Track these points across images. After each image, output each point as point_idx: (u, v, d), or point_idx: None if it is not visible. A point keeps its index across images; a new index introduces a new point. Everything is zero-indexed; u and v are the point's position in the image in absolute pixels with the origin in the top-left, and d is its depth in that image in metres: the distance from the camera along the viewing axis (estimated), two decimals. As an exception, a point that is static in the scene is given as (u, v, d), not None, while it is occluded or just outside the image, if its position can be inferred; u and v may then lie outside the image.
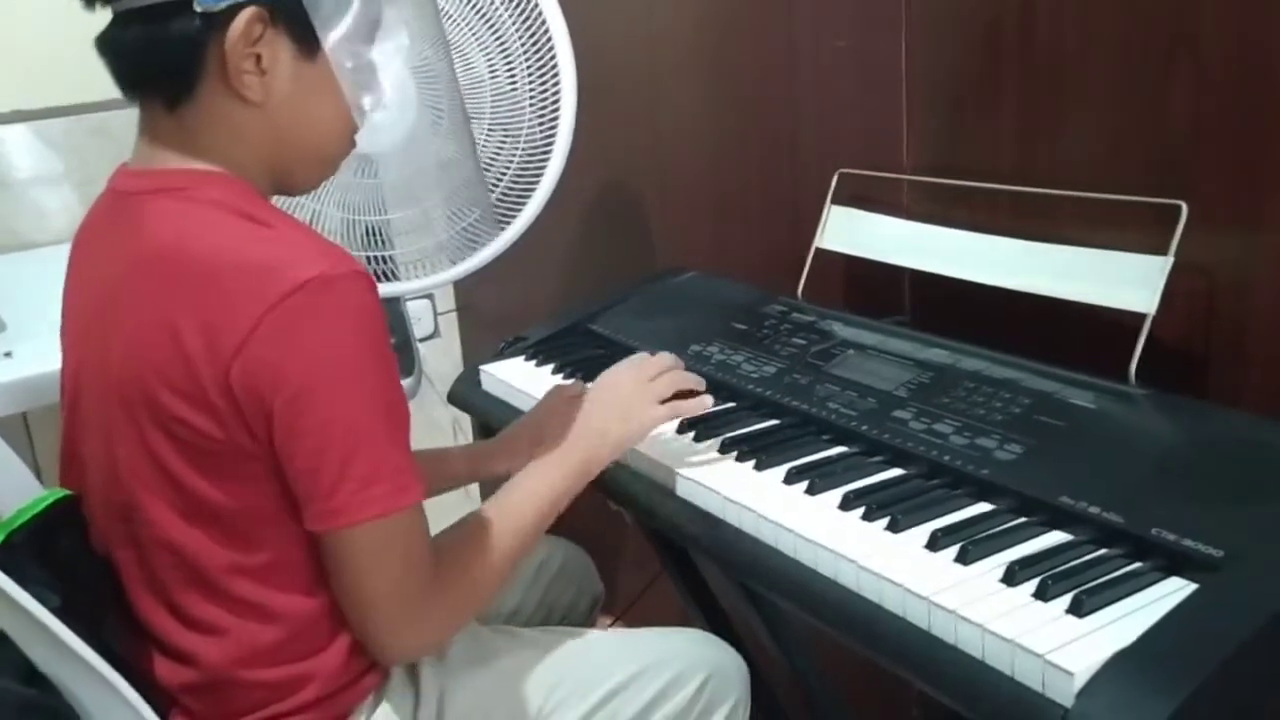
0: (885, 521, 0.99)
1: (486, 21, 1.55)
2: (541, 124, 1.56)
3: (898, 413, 1.14)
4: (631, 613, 2.04)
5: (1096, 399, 1.08)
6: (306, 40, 0.95)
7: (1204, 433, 1.03)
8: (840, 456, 1.13)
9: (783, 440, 1.16)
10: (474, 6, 1.55)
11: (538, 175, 1.58)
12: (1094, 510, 0.94)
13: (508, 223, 1.59)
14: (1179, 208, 1.10)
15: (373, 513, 0.91)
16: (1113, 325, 1.14)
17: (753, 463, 1.12)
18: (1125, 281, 1.14)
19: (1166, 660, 0.77)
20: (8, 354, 1.50)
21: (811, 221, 1.47)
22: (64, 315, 1.05)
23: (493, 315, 2.41)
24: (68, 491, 1.01)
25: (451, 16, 1.55)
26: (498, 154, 1.58)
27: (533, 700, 1.09)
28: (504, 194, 1.59)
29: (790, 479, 1.08)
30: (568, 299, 2.07)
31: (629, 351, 1.43)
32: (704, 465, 1.13)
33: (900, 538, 0.97)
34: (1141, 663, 0.77)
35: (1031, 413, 1.08)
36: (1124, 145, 1.21)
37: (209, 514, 0.94)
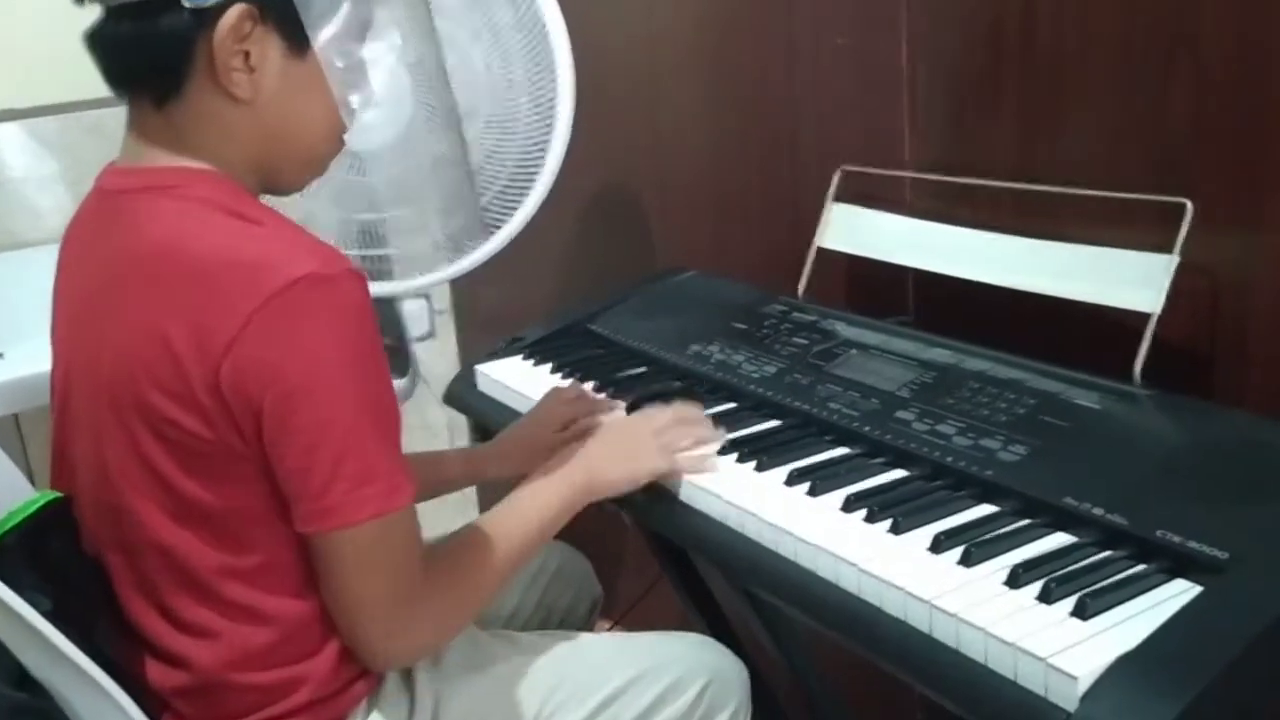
0: (888, 524, 0.98)
1: (484, 18, 1.54)
2: (539, 121, 1.55)
3: (900, 413, 1.13)
4: (631, 616, 2.03)
5: (1101, 399, 1.08)
6: (296, 38, 0.95)
7: (1209, 434, 1.03)
8: (842, 458, 1.12)
9: (784, 441, 1.16)
10: (471, 4, 1.54)
11: (535, 173, 1.57)
12: (1098, 512, 0.93)
13: (502, 223, 1.58)
14: (1184, 206, 1.09)
15: (366, 513, 0.90)
16: (1117, 325, 1.14)
17: (754, 464, 1.11)
18: (1130, 281, 1.13)
19: (1171, 663, 0.77)
20: (0, 355, 1.49)
21: (812, 220, 1.47)
22: (53, 316, 1.05)
23: (489, 315, 2.40)
24: (58, 494, 1.00)
25: (448, 13, 1.54)
26: (495, 151, 1.57)
27: (530, 705, 1.08)
28: (501, 192, 1.58)
29: (792, 481, 1.08)
30: (565, 299, 2.06)
31: (628, 351, 1.43)
32: (704, 467, 1.12)
33: (903, 540, 0.96)
34: (1146, 666, 0.77)
35: (1036, 413, 1.07)
36: (1125, 144, 1.20)
37: (199, 515, 0.93)
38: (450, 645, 1.09)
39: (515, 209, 1.58)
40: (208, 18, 0.90)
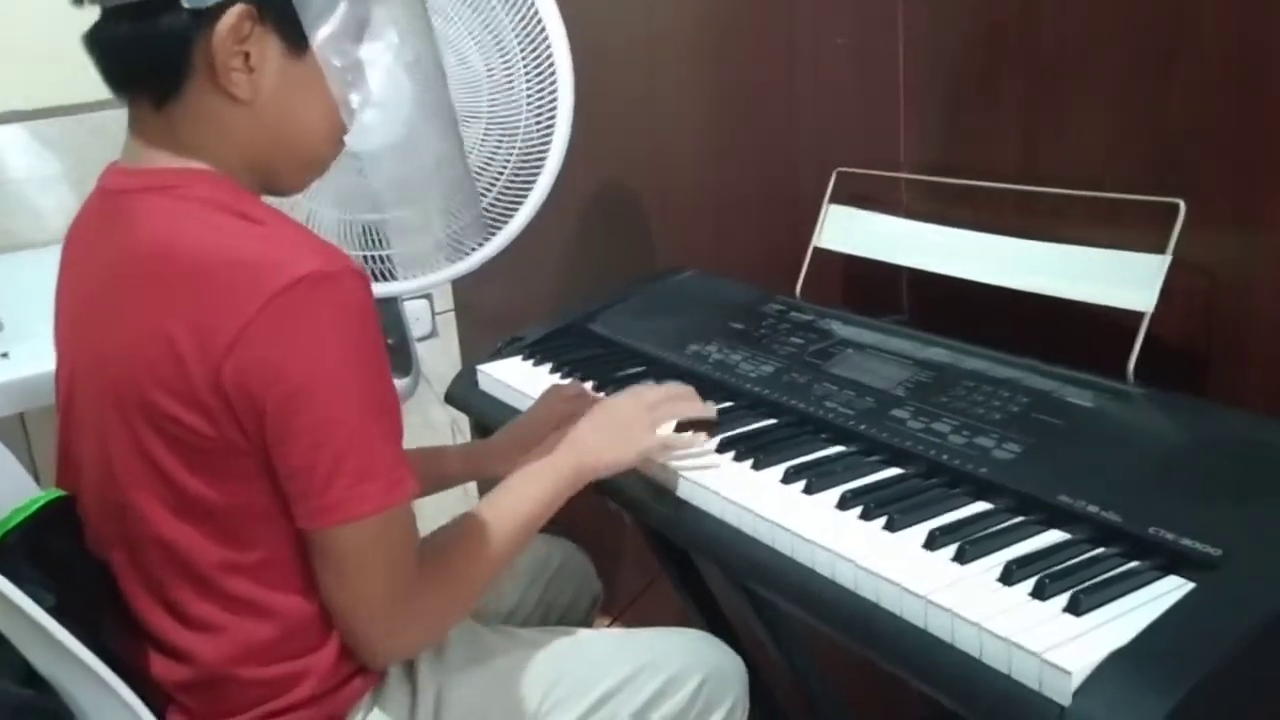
0: (883, 521, 0.99)
1: (483, 20, 1.55)
2: (539, 123, 1.56)
3: (896, 412, 1.14)
4: (630, 612, 2.04)
5: (1095, 398, 1.08)
6: (295, 38, 0.95)
7: (1202, 431, 1.03)
8: (838, 456, 1.13)
9: (780, 439, 1.16)
10: (470, 5, 1.55)
11: (535, 174, 1.58)
12: (1092, 509, 0.94)
13: (503, 223, 1.59)
14: (1177, 206, 1.10)
15: (366, 509, 0.91)
16: (1111, 324, 1.14)
17: (750, 462, 1.12)
18: (1124, 280, 1.13)
19: (1164, 659, 0.77)
20: (5, 355, 1.50)
21: (810, 221, 1.47)
22: (57, 316, 1.05)
23: (490, 315, 2.41)
24: (62, 492, 1.01)
25: (448, 15, 1.55)
26: (495, 153, 1.58)
27: (530, 699, 1.09)
28: (501, 193, 1.59)
29: (788, 478, 1.08)
30: (566, 298, 2.06)
31: (627, 351, 1.44)
32: (702, 465, 1.13)
33: (898, 537, 0.97)
34: (1139, 661, 0.77)
35: (1030, 411, 1.08)
36: (1123, 144, 1.20)
37: (202, 512, 0.94)
38: (452, 639, 1.09)
39: (516, 210, 1.58)
40: (207, 18, 0.90)
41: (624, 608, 2.05)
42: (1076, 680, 0.77)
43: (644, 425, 1.13)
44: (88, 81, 0.97)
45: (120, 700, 0.91)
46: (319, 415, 0.89)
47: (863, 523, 0.99)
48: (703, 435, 1.16)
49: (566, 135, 1.56)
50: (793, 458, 1.11)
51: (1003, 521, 0.97)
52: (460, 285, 2.38)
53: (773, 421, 1.21)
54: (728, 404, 1.25)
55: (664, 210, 1.92)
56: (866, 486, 1.05)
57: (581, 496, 1.13)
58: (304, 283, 0.87)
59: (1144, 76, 1.17)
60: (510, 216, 1.59)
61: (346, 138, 1.04)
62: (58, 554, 0.97)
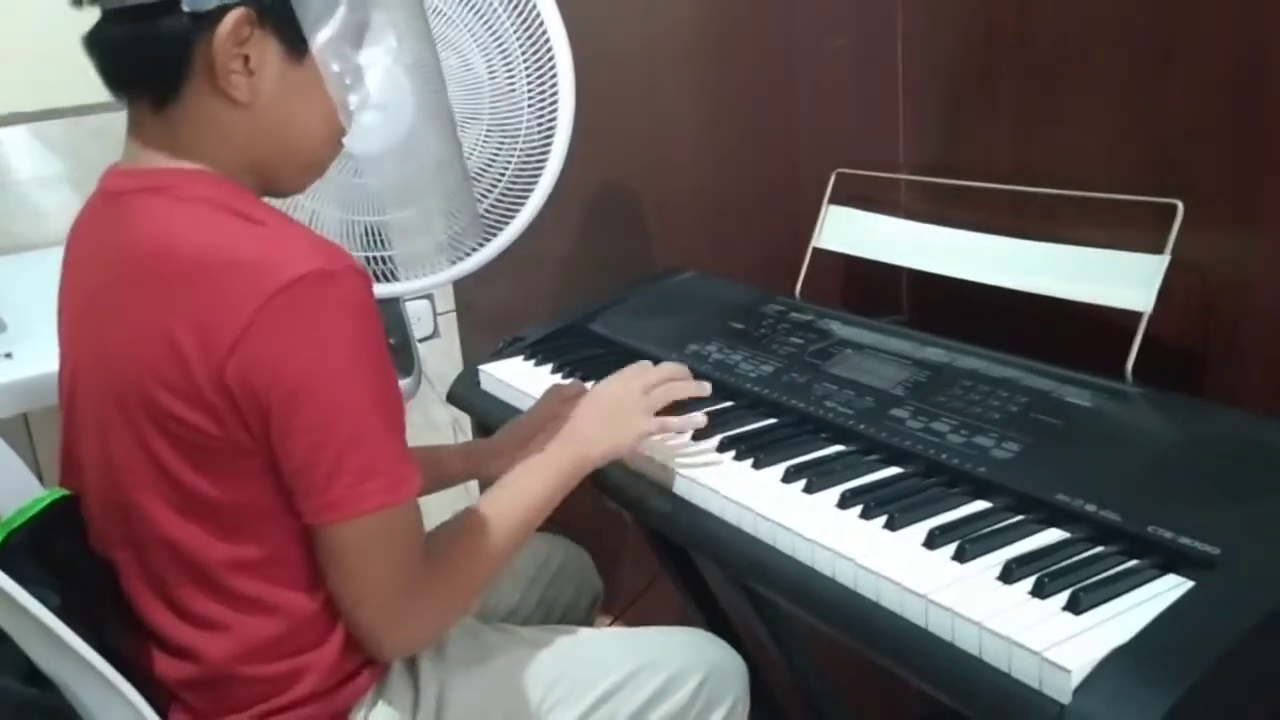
0: (883, 520, 0.99)
1: (484, 22, 1.55)
2: (540, 124, 1.57)
3: (895, 411, 1.14)
4: (631, 612, 2.04)
5: (1093, 397, 1.09)
6: (294, 42, 0.95)
7: (1200, 431, 1.04)
8: (838, 455, 1.13)
9: (780, 439, 1.17)
10: (472, 7, 1.55)
11: (536, 175, 1.58)
12: (1091, 508, 0.94)
13: (505, 224, 1.60)
14: (1175, 207, 1.10)
15: (369, 506, 0.91)
16: (1109, 324, 1.14)
17: (751, 461, 1.12)
18: (1122, 280, 1.14)
19: (1163, 657, 0.77)
20: (8, 355, 1.50)
21: (809, 221, 1.48)
22: (59, 316, 1.06)
23: (492, 315, 2.41)
24: (66, 491, 1.01)
25: (449, 17, 1.55)
26: (497, 154, 1.58)
27: (531, 698, 1.09)
28: (503, 194, 1.60)
29: (788, 477, 1.09)
30: (566, 299, 2.07)
31: (627, 351, 1.44)
32: (702, 464, 1.14)
33: (898, 536, 0.97)
34: (1138, 659, 0.77)
35: (1028, 411, 1.08)
36: (1122, 144, 1.21)
37: (206, 510, 0.94)
38: (453, 638, 1.10)
39: (518, 211, 1.59)
40: (206, 21, 0.90)
41: (625, 607, 2.06)
42: (1076, 678, 0.77)
43: (639, 409, 1.13)
44: (90, 83, 0.97)
45: (124, 699, 0.91)
46: (322, 413, 0.89)
47: (863, 522, 1.00)
48: (700, 415, 1.16)
49: (568, 137, 1.56)
50: (793, 457, 1.12)
51: (1002, 520, 0.97)
52: (462, 286, 2.38)
53: (773, 421, 1.21)
54: (728, 404, 1.26)
55: (664, 211, 1.92)
56: (866, 486, 1.06)
57: (581, 496, 1.14)
58: (306, 281, 0.88)
59: (1142, 77, 1.17)
60: (511, 217, 1.60)
61: (347, 140, 1.04)
62: (62, 553, 0.97)
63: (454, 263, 1.60)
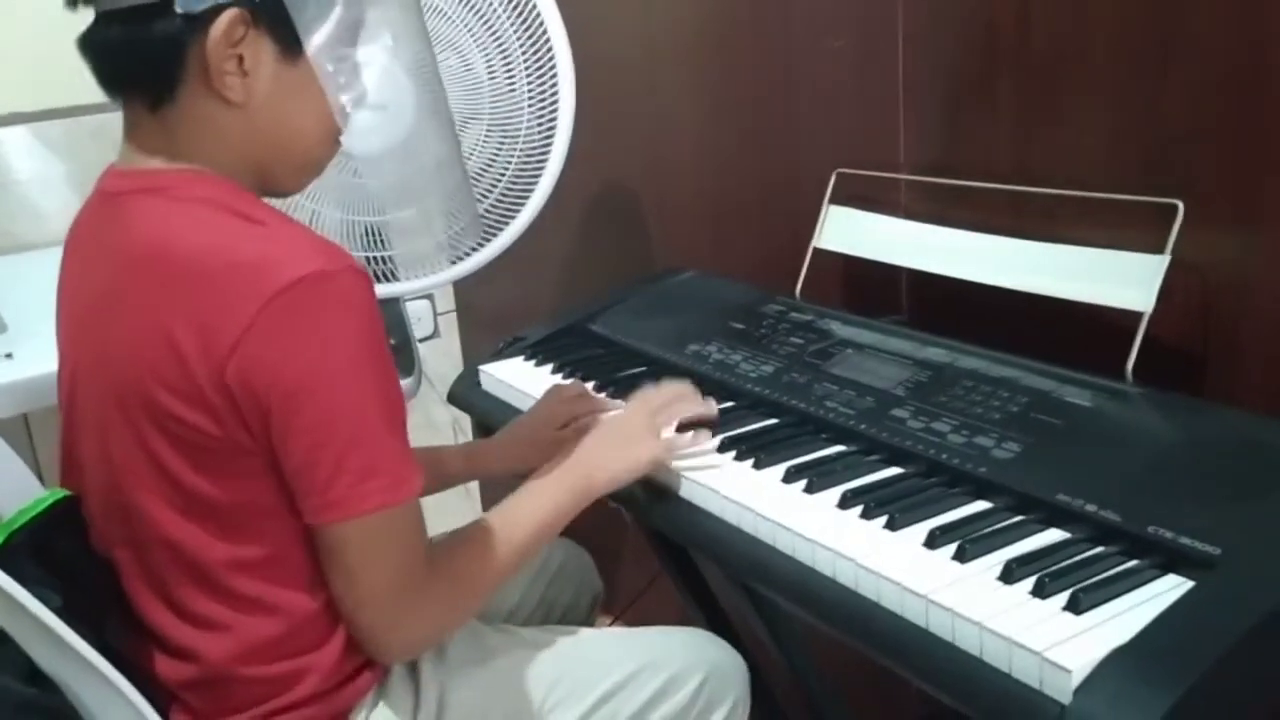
0: (883, 520, 0.99)
1: (484, 22, 1.55)
2: (540, 124, 1.57)
3: (896, 411, 1.14)
4: (631, 612, 2.04)
5: (1093, 397, 1.09)
6: (288, 42, 0.95)
7: (1200, 431, 1.04)
8: (838, 455, 1.13)
9: (781, 439, 1.17)
10: (471, 7, 1.55)
11: (537, 175, 1.59)
12: (1091, 508, 0.94)
13: (505, 225, 1.60)
14: (1175, 207, 1.10)
15: (370, 505, 0.91)
16: (1110, 324, 1.15)
17: (751, 461, 1.12)
18: (1122, 280, 1.14)
19: (1163, 657, 0.77)
20: (8, 355, 1.50)
21: (809, 221, 1.48)
22: (58, 317, 1.06)
23: (492, 315, 2.41)
24: (67, 492, 1.01)
25: (449, 17, 1.55)
26: (497, 154, 1.59)
27: (532, 698, 1.09)
28: (503, 194, 1.60)
29: (789, 478, 1.09)
30: (567, 299, 2.07)
31: (627, 351, 1.44)
32: (703, 464, 1.14)
33: (898, 536, 0.97)
34: (1138, 659, 0.77)
35: (1029, 411, 1.08)
36: (1121, 144, 1.21)
37: (206, 510, 0.94)
38: (454, 639, 1.10)
39: (518, 211, 1.59)
40: (200, 22, 0.90)
41: (625, 607, 2.06)
42: (1077, 678, 0.77)
43: (648, 432, 1.14)
44: (90, 83, 0.96)
45: (125, 699, 0.91)
46: (322, 412, 0.89)
47: (863, 522, 1.00)
48: (705, 433, 1.16)
49: (568, 137, 1.56)
50: (793, 457, 1.12)
51: (1002, 520, 0.97)
52: (462, 286, 2.38)
53: (773, 421, 1.21)
54: (728, 404, 1.26)
55: (664, 211, 1.92)
56: (867, 486, 1.06)
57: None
58: (306, 282, 0.88)
59: (1142, 76, 1.17)
60: (512, 218, 1.60)
61: (347, 140, 1.04)
62: (63, 554, 0.97)
63: (454, 263, 1.60)
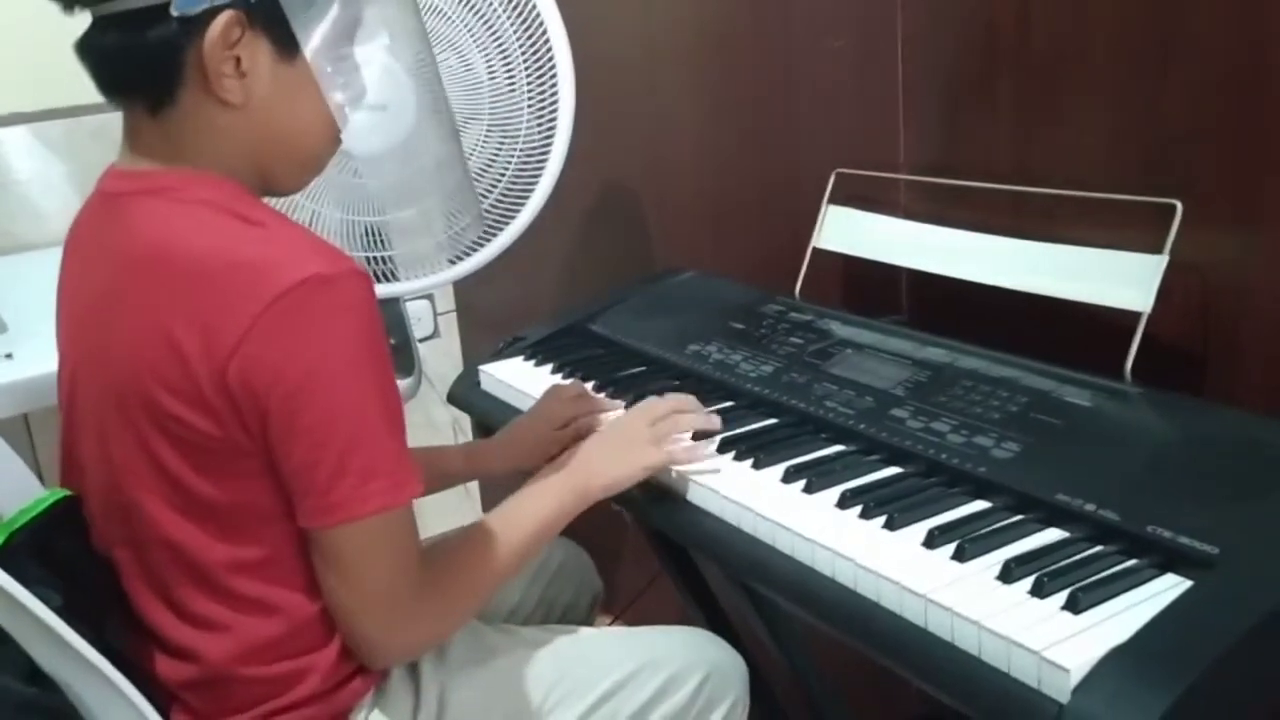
0: (883, 519, 0.99)
1: (484, 22, 1.55)
2: (540, 124, 1.57)
3: (895, 411, 1.15)
4: (631, 611, 2.04)
5: (1092, 397, 1.09)
6: (285, 42, 0.95)
7: (1199, 430, 1.04)
8: (838, 455, 1.13)
9: (780, 439, 1.17)
10: (471, 7, 1.56)
11: (536, 175, 1.59)
12: (1090, 508, 0.94)
13: (504, 225, 1.60)
14: (1174, 207, 1.10)
15: (371, 508, 0.91)
16: (1109, 324, 1.15)
17: (750, 461, 1.13)
18: (1121, 280, 1.14)
19: (1162, 656, 0.77)
20: (9, 356, 1.50)
21: (809, 221, 1.48)
22: (58, 317, 1.06)
23: (492, 315, 2.41)
24: (68, 492, 1.01)
25: (449, 17, 1.55)
26: (497, 155, 1.59)
27: (532, 698, 1.09)
28: (503, 194, 1.60)
29: (788, 477, 1.09)
30: (567, 299, 2.07)
31: (627, 351, 1.44)
32: (702, 465, 1.14)
33: (897, 535, 0.97)
34: (1137, 659, 0.77)
35: (1028, 411, 1.08)
36: (1120, 144, 1.21)
37: (206, 510, 0.94)
38: (454, 639, 1.10)
39: (518, 211, 1.59)
40: (196, 25, 0.90)
41: (625, 606, 2.06)
42: (1075, 678, 0.77)
43: (648, 441, 1.14)
44: (90, 84, 0.96)
45: (125, 699, 0.91)
46: (322, 414, 0.89)
47: (862, 521, 1.00)
48: (708, 446, 1.16)
49: (568, 137, 1.56)
50: (792, 457, 1.12)
51: (1001, 520, 0.97)
52: (462, 286, 2.38)
53: (773, 421, 1.21)
54: (728, 404, 1.26)
55: (664, 211, 1.92)
56: (866, 485, 1.06)
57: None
58: (305, 285, 0.88)
59: (1141, 77, 1.17)
60: (512, 217, 1.60)
61: (346, 140, 1.04)
62: (64, 553, 0.97)
63: (454, 263, 1.60)
